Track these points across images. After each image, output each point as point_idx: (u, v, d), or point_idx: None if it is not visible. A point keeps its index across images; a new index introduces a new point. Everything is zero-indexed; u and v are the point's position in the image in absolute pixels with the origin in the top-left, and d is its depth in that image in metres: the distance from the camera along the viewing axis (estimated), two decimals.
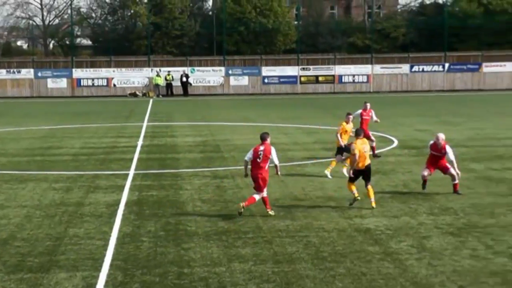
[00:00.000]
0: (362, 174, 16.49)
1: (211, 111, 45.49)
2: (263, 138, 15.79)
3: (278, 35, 68.93)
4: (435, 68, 64.55)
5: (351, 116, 21.41)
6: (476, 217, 15.45)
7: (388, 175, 20.85)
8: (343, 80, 64.65)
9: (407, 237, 13.85)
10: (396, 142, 28.10)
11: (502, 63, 64.37)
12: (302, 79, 63.88)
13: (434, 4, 76.45)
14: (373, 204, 16.36)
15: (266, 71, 64.41)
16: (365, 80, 64.67)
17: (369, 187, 16.52)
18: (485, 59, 64.77)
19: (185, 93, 62.18)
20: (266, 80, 64.25)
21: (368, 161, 16.51)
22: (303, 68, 64.52)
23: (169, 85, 62.27)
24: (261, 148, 15.62)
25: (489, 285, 11.04)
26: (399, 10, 79.59)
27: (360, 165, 16.37)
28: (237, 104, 52.30)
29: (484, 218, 15.34)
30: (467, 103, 49.26)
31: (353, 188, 16.49)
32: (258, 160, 15.56)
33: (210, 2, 79.84)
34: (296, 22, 71.64)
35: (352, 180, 16.58)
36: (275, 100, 56.07)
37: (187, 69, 62.99)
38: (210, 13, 75.63)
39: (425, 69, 64.53)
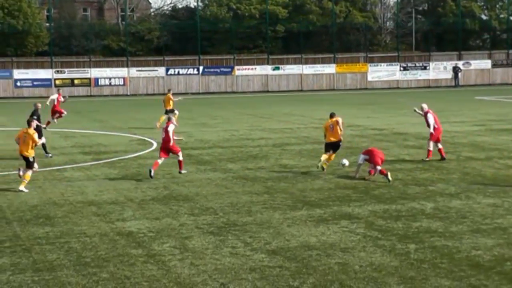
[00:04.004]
0: (332, 146, 21.34)
1: None
2: None
3: (29, 37, 66.30)
4: (190, 71, 65.90)
5: None
6: (234, 215, 15.99)
7: (149, 177, 20.90)
8: (99, 83, 63.87)
9: (170, 238, 14.01)
10: (155, 144, 28.27)
11: (253, 67, 67.23)
12: (57, 82, 62.07)
13: (186, 8, 78.04)
14: (323, 165, 21.13)
15: (18, 74, 61.84)
16: (121, 83, 64.38)
17: (333, 156, 21.44)
18: (237, 63, 67.26)
19: None
20: (18, 84, 61.68)
21: (336, 136, 21.26)
22: (58, 71, 62.81)
23: None
24: None
25: (249, 280, 11.47)
26: (152, 14, 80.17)
27: (331, 139, 21.29)
28: None
29: (242, 216, 15.92)
30: (222, 106, 50.83)
31: (323, 158, 21.10)
32: None
33: None
34: (47, 24, 69.43)
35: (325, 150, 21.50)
36: (30, 104, 53.89)
37: None
38: None
39: (180, 72, 65.62)
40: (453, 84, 68.57)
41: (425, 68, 69.61)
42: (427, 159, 23.07)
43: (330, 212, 16.19)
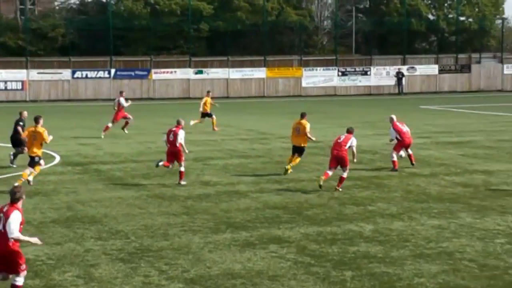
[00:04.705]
0: (296, 150, 24.06)
1: None
2: None
3: None
4: (101, 74, 65.29)
5: None
6: (148, 239, 15.92)
7: (50, 196, 20.66)
8: None
9: (73, 266, 13.84)
10: (58, 158, 27.92)
11: (172, 70, 67.08)
12: None
13: (97, 2, 77.41)
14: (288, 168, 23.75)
15: None
16: (19, 87, 63.31)
17: (298, 159, 24.09)
18: (154, 65, 67.03)
19: None
20: None
21: (300, 141, 23.93)
22: None
23: None
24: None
25: None
26: (57, 8, 79.27)
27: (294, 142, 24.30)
28: None
29: (157, 240, 15.86)
30: (136, 114, 50.40)
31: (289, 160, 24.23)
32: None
33: None
34: None
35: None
36: None
37: None
38: None
39: (89, 75, 64.97)
40: (396, 91, 69.85)
41: (366, 73, 70.75)
42: (396, 168, 24.66)
43: (258, 235, 16.27)
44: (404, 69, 70.98)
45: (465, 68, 73.06)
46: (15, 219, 11.57)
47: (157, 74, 66.62)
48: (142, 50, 69.70)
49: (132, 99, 41.01)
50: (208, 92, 41.34)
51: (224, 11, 74.62)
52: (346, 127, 22.88)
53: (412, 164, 25.39)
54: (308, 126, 24.21)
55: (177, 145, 22.65)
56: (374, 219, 17.75)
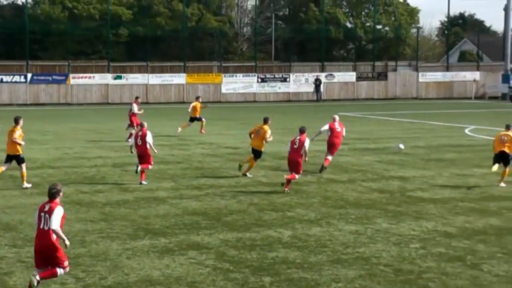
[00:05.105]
0: (253, 152, 24.92)
1: None
2: None
3: None
4: (16, 78, 64.13)
5: None
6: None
7: None
8: None
9: None
10: None
11: (91, 75, 66.34)
12: None
13: (12, 4, 76.08)
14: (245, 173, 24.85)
15: None
16: None
17: (254, 162, 24.90)
18: (72, 70, 66.17)
19: None
20: None
21: (259, 144, 24.65)
22: None
23: None
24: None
25: None
26: None
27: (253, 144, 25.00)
28: None
29: (74, 247, 15.60)
30: (53, 119, 49.79)
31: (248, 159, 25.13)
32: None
33: None
34: None
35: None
36: None
37: None
38: None
39: (4, 80, 63.77)
40: (314, 98, 70.55)
41: (285, 80, 71.27)
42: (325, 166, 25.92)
43: (177, 241, 16.19)
44: (322, 76, 71.76)
45: (382, 76, 74.29)
46: (57, 213, 12.37)
47: (75, 79, 65.77)
48: (60, 55, 68.74)
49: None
50: (198, 97, 41.53)
51: (143, 17, 74.28)
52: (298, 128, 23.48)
53: (323, 168, 25.80)
54: (268, 133, 24.81)
55: (147, 147, 23.52)
56: (293, 225, 17.86)
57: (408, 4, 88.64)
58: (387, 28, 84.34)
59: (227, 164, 27.81)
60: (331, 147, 26.38)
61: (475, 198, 21.61)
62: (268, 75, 70.99)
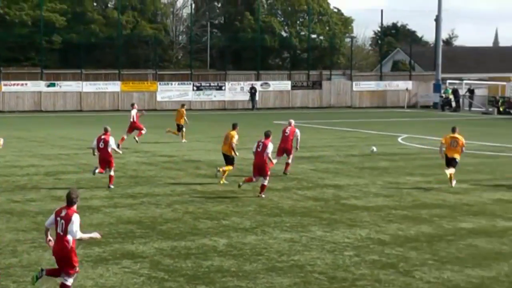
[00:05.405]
0: (224, 157, 25.45)
1: None
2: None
3: None
4: None
5: None
6: None
7: None
8: None
9: None
10: None
11: (23, 82, 65.37)
12: None
13: None
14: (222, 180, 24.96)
15: None
16: None
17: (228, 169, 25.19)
18: (4, 77, 65.14)
19: None
20: None
21: (227, 150, 25.12)
22: None
23: None
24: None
25: None
26: None
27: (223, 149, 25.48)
28: None
29: (5, 257, 15.37)
30: None
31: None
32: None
33: None
34: None
35: None
36: None
37: None
38: None
39: None
40: (250, 106, 70.71)
41: (220, 88, 71.27)
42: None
43: (111, 250, 16.05)
44: (258, 84, 71.97)
45: (317, 85, 74.81)
46: (76, 221, 12.22)
47: (7, 86, 64.71)
48: None
49: None
50: (183, 105, 42.38)
51: (77, 23, 73.57)
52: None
53: (285, 173, 27.59)
54: (235, 138, 25.33)
55: (109, 151, 24.02)
56: (228, 233, 17.85)
57: (342, 14, 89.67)
58: (321, 37, 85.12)
59: (162, 173, 27.67)
60: (278, 150, 27.86)
61: (408, 206, 21.91)
62: (203, 83, 70.89)
